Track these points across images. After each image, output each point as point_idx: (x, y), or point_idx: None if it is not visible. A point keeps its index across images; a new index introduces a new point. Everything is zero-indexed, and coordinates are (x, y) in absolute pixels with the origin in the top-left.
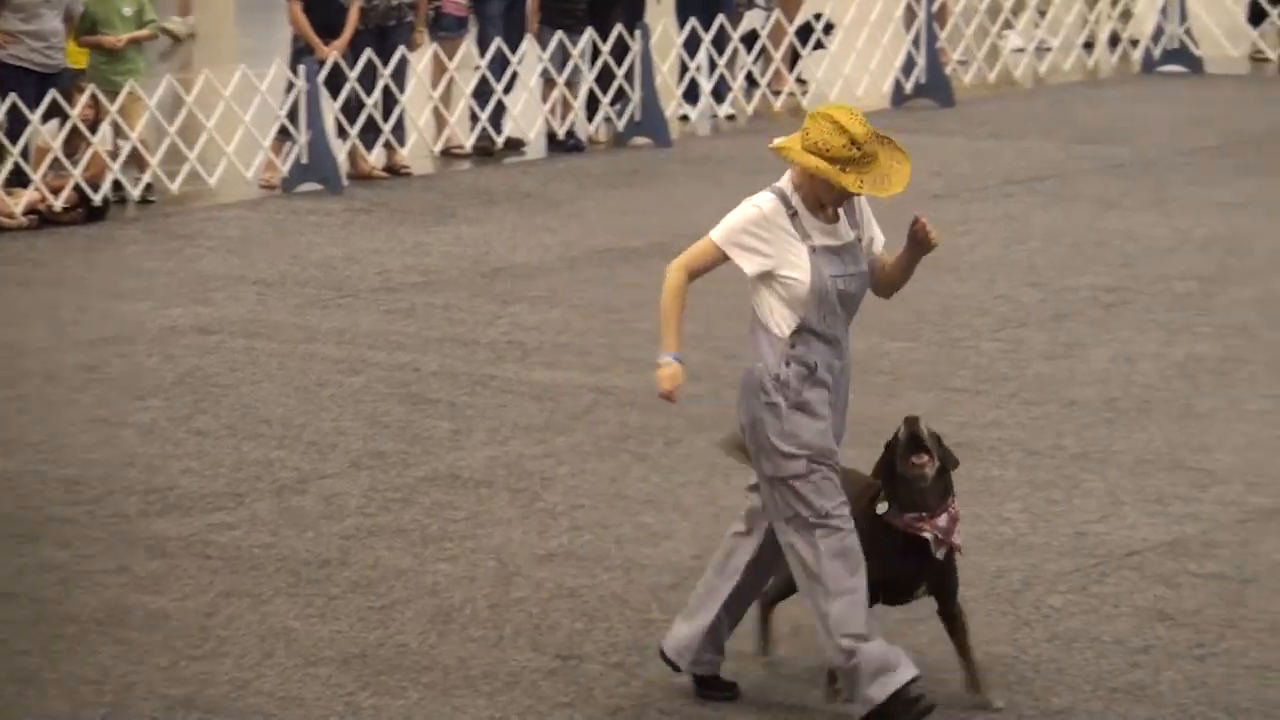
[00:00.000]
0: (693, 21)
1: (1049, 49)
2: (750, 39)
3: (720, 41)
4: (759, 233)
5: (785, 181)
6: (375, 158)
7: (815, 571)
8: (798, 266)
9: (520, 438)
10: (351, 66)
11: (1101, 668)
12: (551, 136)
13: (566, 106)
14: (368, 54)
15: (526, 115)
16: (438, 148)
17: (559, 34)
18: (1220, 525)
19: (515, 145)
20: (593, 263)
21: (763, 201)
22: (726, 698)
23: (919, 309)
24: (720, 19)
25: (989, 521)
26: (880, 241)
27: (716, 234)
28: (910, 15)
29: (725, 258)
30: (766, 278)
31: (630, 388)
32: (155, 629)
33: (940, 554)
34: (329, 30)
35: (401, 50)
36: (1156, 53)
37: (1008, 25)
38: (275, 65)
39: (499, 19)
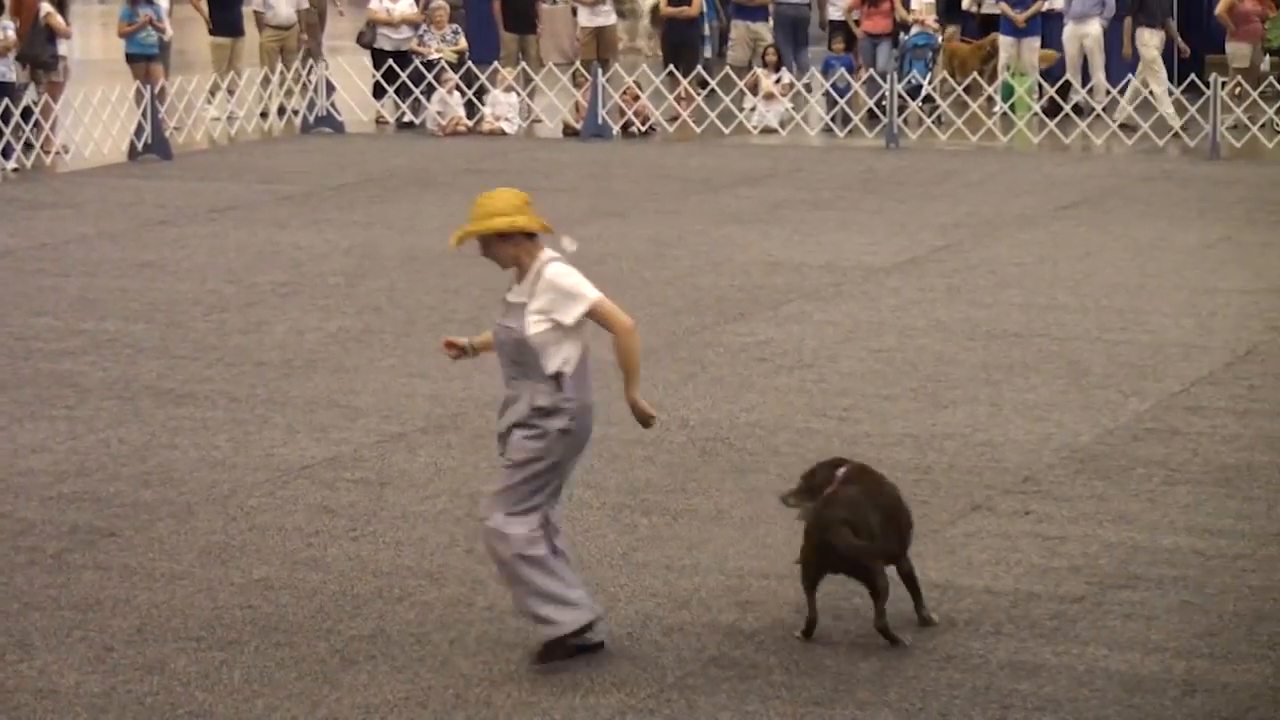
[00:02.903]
0: None
1: (237, 117)
2: (27, 114)
3: (6, 118)
4: None
5: None
6: None
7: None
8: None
9: None
10: None
11: (287, 547)
12: None
13: None
14: None
15: None
16: None
17: None
18: (365, 446)
19: None
20: None
21: None
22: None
23: (151, 301)
24: (6, 102)
25: (204, 449)
26: (562, 314)
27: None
28: (139, 96)
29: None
30: None
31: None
32: None
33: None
34: None
35: None
36: (312, 119)
37: (208, 101)
38: None
39: None
